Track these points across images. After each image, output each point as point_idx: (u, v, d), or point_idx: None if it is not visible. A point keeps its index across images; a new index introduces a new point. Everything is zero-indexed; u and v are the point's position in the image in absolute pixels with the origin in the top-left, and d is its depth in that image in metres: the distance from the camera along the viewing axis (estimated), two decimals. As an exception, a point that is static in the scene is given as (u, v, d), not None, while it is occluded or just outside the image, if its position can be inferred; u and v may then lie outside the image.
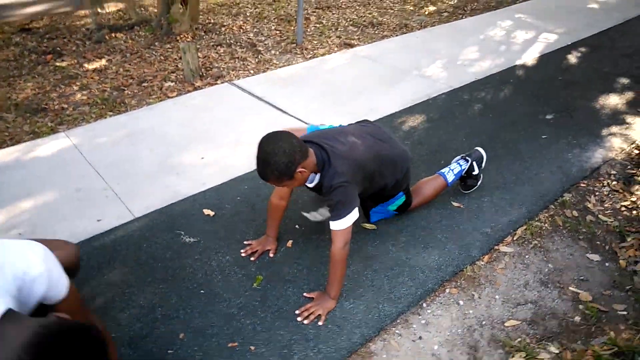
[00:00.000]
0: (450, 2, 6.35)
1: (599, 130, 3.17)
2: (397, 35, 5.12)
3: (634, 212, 2.45)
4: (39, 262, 1.10)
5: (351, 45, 4.88)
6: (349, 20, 5.71)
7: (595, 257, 2.18)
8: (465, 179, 2.49)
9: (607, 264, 2.15)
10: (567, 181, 2.67)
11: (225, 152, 2.99)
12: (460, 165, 2.45)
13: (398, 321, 1.86)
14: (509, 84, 3.87)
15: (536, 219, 2.40)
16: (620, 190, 2.61)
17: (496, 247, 2.23)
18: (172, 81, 4.04)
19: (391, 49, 4.69)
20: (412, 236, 2.28)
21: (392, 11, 6.03)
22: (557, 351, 1.73)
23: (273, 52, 4.73)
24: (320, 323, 1.84)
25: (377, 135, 2.12)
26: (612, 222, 2.38)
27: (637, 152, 2.93)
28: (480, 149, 2.56)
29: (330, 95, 3.70)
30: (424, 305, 1.94)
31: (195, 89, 3.90)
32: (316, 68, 4.27)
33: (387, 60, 4.37)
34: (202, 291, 1.99)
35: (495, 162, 2.80)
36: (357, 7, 6.23)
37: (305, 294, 1.97)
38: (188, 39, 4.97)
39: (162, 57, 4.54)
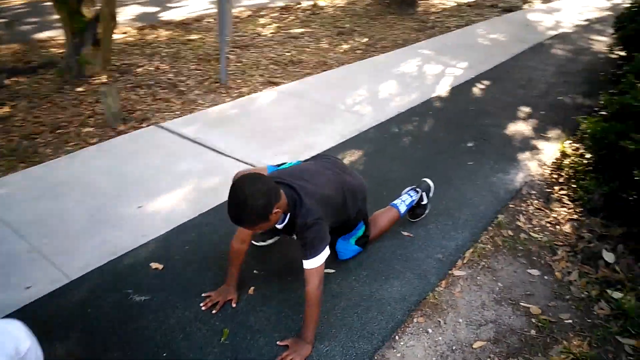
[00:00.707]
0: (361, 41, 6.72)
1: (514, 154, 3.50)
2: (318, 73, 5.29)
3: (557, 227, 2.71)
4: (25, 337, 1.08)
5: (275, 84, 4.95)
6: (269, 59, 5.80)
7: (535, 272, 2.37)
8: (415, 209, 2.60)
9: (545, 277, 2.34)
10: (497, 203, 2.89)
11: (164, 199, 2.85)
12: (411, 196, 2.56)
13: (376, 358, 1.86)
14: (429, 115, 4.15)
15: (479, 241, 2.56)
16: (542, 208, 2.88)
17: (450, 272, 2.34)
18: (91, 126, 3.79)
19: (315, 85, 4.83)
20: (372, 269, 2.32)
21: (309, 50, 6.23)
22: (523, 366, 1.84)
23: (197, 92, 4.64)
24: (298, 371, 1.79)
25: (337, 167, 2.18)
26: (541, 238, 2.61)
27: (549, 172, 3.27)
28: (427, 179, 2.71)
29: (265, 134, 3.70)
30: (397, 337, 1.96)
31: (119, 133, 3.69)
32: (245, 107, 4.26)
33: (313, 97, 4.48)
34: (164, 354, 1.84)
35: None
36: (275, 46, 6.36)
37: (278, 342, 1.90)
38: (102, 81, 4.71)
39: (75, 101, 4.25)
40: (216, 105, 4.31)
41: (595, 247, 2.46)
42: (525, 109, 4.35)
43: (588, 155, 3.02)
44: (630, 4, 5.06)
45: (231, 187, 1.74)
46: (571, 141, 3.68)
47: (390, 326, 2.00)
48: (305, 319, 1.87)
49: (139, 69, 5.14)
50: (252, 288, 2.18)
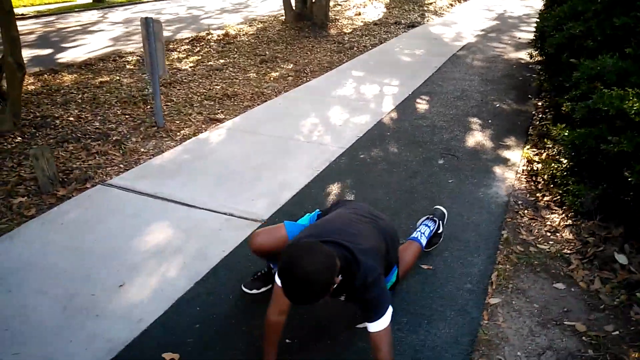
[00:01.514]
0: (288, 67, 6.60)
1: (486, 166, 3.57)
2: (258, 104, 5.06)
3: (557, 234, 2.77)
4: None
5: (218, 120, 4.63)
6: (199, 94, 5.45)
7: (560, 286, 2.37)
8: (431, 238, 2.49)
9: (572, 289, 2.35)
10: (495, 219, 2.89)
11: (146, 271, 2.44)
12: (429, 227, 2.45)
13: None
14: (388, 137, 4.12)
15: (497, 262, 2.52)
16: (536, 218, 2.93)
17: (487, 302, 2.25)
18: (22, 195, 3.21)
19: (262, 118, 4.59)
20: (410, 313, 2.15)
21: (238, 81, 5.98)
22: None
23: (134, 139, 4.18)
24: None
25: (370, 212, 2.00)
26: (549, 248, 2.64)
27: (525, 180, 3.36)
28: (440, 207, 2.62)
29: (231, 178, 3.40)
30: (471, 387, 1.81)
31: (60, 199, 3.16)
32: (197, 150, 3.91)
33: (266, 131, 4.25)
34: None
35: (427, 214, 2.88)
36: (200, 80, 6.01)
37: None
38: (18, 141, 4.06)
39: (-9, 168, 3.59)
40: (162, 152, 3.90)
41: (605, 251, 2.52)
42: (473, 120, 4.50)
43: (564, 161, 3.14)
44: (541, 11, 5.53)
45: (286, 266, 1.51)
46: (528, 147, 3.84)
47: (459, 376, 1.84)
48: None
49: (57, 121, 4.52)
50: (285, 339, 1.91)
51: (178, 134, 4.31)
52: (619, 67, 3.11)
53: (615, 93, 2.81)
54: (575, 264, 2.50)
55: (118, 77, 6.08)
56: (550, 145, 3.62)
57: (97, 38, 8.88)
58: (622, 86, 2.99)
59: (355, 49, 7.76)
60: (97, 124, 4.51)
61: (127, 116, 4.73)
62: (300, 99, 5.18)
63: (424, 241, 2.38)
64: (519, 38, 8.34)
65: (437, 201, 3.05)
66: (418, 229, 2.44)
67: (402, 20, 10.16)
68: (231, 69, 6.52)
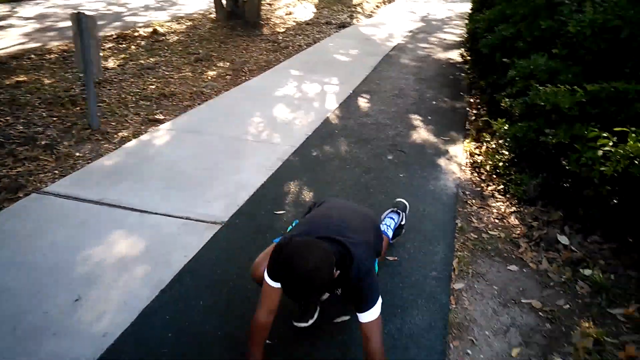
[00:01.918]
0: (224, 66, 6.47)
1: (433, 160, 3.73)
2: (199, 104, 4.91)
3: (504, 220, 2.97)
4: None
5: (158, 121, 4.44)
6: (133, 94, 5.18)
7: (514, 267, 2.55)
8: (395, 230, 2.56)
9: (524, 270, 2.53)
10: (448, 209, 3.04)
11: (103, 282, 2.29)
12: (393, 219, 2.52)
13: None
14: (336, 135, 4.18)
15: (456, 249, 2.65)
16: (484, 206, 3.12)
17: (452, 287, 2.36)
18: (-57, 209, 2.87)
19: (206, 118, 4.47)
20: (383, 304, 2.19)
21: (174, 80, 5.76)
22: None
23: (66, 143, 3.89)
24: None
25: (352, 206, 2.05)
26: (499, 234, 2.82)
27: (469, 171, 3.56)
28: (402, 200, 2.69)
29: (182, 181, 3.27)
30: (450, 370, 1.89)
31: (-9, 210, 2.87)
32: (140, 152, 3.72)
33: (212, 131, 4.14)
34: None
35: (386, 208, 2.95)
36: (132, 80, 5.72)
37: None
38: None
39: None
40: (100, 156, 3.67)
41: (548, 233, 2.74)
42: (414, 116, 4.68)
43: (506, 153, 3.36)
44: (470, 14, 5.87)
45: (286, 264, 1.52)
46: (468, 141, 4.07)
47: (436, 359, 1.92)
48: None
49: (-27, 125, 4.09)
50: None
51: (115, 136, 4.07)
52: (550, 66, 3.38)
53: (550, 90, 3.06)
54: (524, 247, 2.70)
55: (37, 77, 5.61)
56: (489, 139, 3.86)
57: (7, 34, 8.13)
58: (553, 83, 3.26)
59: (290, 48, 7.76)
60: (21, 127, 4.14)
61: (54, 118, 4.39)
62: (242, 98, 5.10)
63: (390, 234, 2.45)
64: (444, 39, 8.79)
65: (392, 195, 3.14)
66: (383, 222, 2.51)
67: (333, 21, 10.31)
68: (164, 68, 6.26)
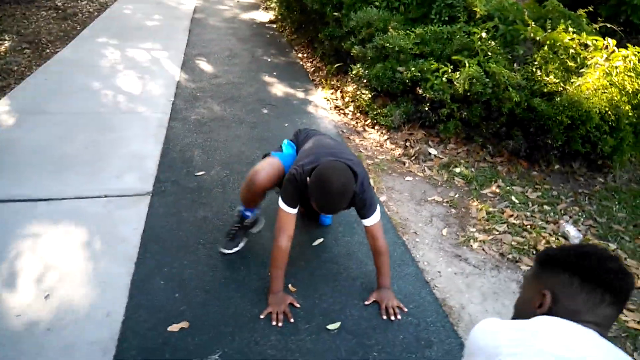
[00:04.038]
0: (13, 39, 5.46)
1: (302, 109, 4.13)
2: (17, 84, 4.18)
3: (384, 146, 3.61)
4: None
5: (-24, 106, 3.66)
6: None
7: (409, 178, 3.21)
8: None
9: (417, 179, 3.22)
10: (339, 145, 3.51)
11: (70, 275, 2.06)
12: None
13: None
14: (200, 97, 4.17)
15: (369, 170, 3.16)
16: (364, 139, 3.70)
17: (381, 201, 2.87)
18: None
19: (42, 96, 3.88)
20: (341, 224, 2.58)
21: (-42, 57, 4.65)
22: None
23: None
24: (405, 310, 2.03)
25: (330, 137, 2.32)
26: (385, 157, 3.45)
27: (337, 113, 4.09)
28: None
29: (67, 163, 2.93)
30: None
31: None
32: (-12, 142, 3.10)
33: (62, 109, 3.65)
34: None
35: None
36: None
37: (366, 302, 2.04)
38: None
39: None
40: None
41: (420, 149, 3.49)
42: (261, 74, 4.95)
43: (366, 92, 3.96)
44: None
45: (323, 182, 1.78)
46: (321, 89, 4.59)
47: (402, 250, 2.42)
48: (383, 269, 2.07)
49: None
50: (289, 285, 2.11)
51: None
52: (381, 16, 4.09)
53: (394, 34, 3.76)
54: (408, 163, 3.39)
55: None
56: (339, 84, 4.44)
57: None
58: (386, 31, 3.98)
59: (80, 15, 6.90)
60: None
61: None
62: (69, 71, 4.51)
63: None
64: (237, 1, 9.02)
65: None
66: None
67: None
68: None
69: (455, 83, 3.35)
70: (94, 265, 2.12)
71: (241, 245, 2.32)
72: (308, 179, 1.88)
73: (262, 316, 1.93)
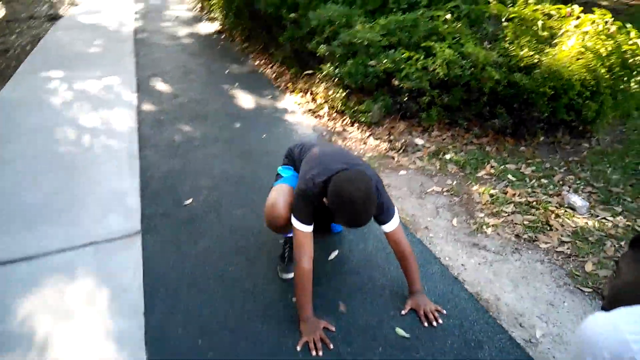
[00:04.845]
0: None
1: (276, 118, 3.97)
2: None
3: (369, 143, 3.51)
4: None
5: None
6: None
7: (403, 172, 3.13)
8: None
9: (410, 171, 3.14)
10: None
11: (79, 324, 1.84)
12: None
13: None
14: (165, 120, 3.93)
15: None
16: (346, 139, 3.59)
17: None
18: None
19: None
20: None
21: None
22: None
23: None
24: (444, 312, 1.93)
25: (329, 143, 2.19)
26: (374, 154, 3.35)
27: (312, 117, 3.96)
28: None
29: (36, 213, 2.66)
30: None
31: None
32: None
33: (20, 152, 3.33)
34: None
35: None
36: None
37: (403, 312, 1.93)
38: None
39: None
40: None
41: (406, 141, 3.42)
42: (224, 87, 4.73)
43: (340, 91, 3.84)
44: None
45: (345, 194, 1.67)
46: (289, 94, 4.44)
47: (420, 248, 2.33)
48: (412, 273, 1.98)
49: None
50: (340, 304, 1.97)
51: None
52: (342, 11, 4.00)
53: (360, 28, 3.67)
54: (397, 157, 3.31)
55: None
56: (307, 87, 4.32)
57: None
58: (350, 26, 3.89)
59: (13, 50, 6.43)
60: None
61: None
62: (15, 110, 4.14)
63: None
64: (179, 16, 8.70)
65: (278, 144, 3.29)
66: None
67: (36, 14, 8.83)
68: None
69: (431, 69, 3.30)
70: (100, 325, 1.90)
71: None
72: (323, 194, 1.76)
73: (298, 348, 1.78)
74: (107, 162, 3.21)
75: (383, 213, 1.90)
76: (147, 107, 4.22)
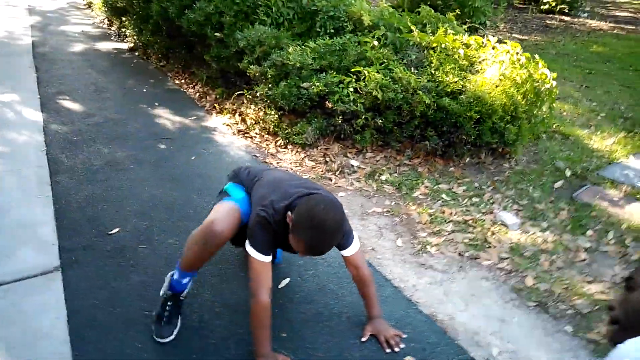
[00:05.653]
0: None
1: (204, 138, 3.77)
2: None
3: (304, 165, 3.46)
4: None
5: None
6: None
7: (342, 194, 3.11)
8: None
9: (349, 193, 3.13)
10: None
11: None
12: None
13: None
14: (77, 141, 3.57)
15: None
16: (279, 160, 3.51)
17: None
18: None
19: None
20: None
21: None
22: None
23: None
24: (404, 336, 1.90)
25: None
26: (310, 176, 3.31)
27: (242, 138, 3.82)
28: None
29: None
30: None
31: None
32: None
33: None
34: None
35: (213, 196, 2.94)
36: None
37: (363, 339, 1.87)
38: None
39: None
40: None
41: (342, 163, 3.41)
42: (142, 107, 4.43)
43: (272, 112, 3.75)
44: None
45: (317, 220, 1.59)
46: (216, 114, 4.27)
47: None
48: (371, 298, 1.93)
49: None
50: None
51: None
52: (271, 33, 3.96)
53: (292, 50, 3.66)
54: (335, 178, 3.29)
55: None
56: (235, 108, 4.18)
57: None
58: (280, 48, 3.87)
59: None
60: None
61: None
62: None
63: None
64: (83, 31, 8.10)
65: (210, 166, 3.11)
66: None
67: None
68: None
69: (364, 92, 3.35)
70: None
71: (179, 325, 1.89)
72: (289, 216, 1.66)
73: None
74: (13, 189, 2.81)
75: (344, 237, 1.84)
76: (55, 127, 3.81)
